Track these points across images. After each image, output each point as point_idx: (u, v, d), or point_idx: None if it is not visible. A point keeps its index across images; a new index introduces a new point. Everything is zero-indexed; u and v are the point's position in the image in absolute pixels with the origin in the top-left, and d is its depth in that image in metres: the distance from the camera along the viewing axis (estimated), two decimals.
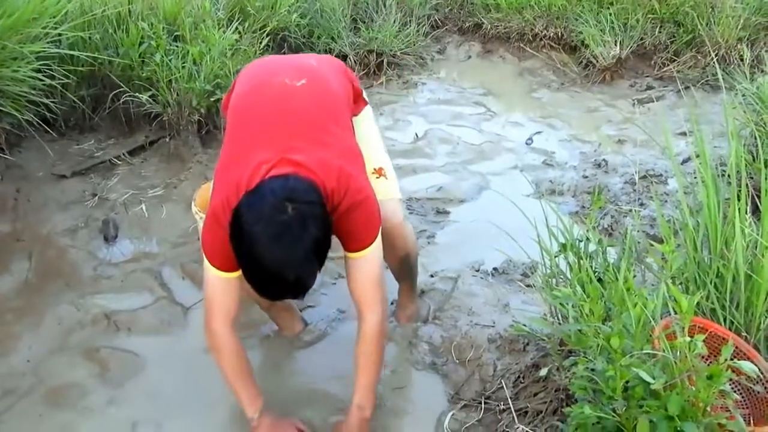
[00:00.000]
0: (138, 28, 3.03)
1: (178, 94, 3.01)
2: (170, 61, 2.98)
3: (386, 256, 1.89)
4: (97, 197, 2.82)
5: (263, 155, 1.56)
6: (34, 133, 2.86)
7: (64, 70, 2.87)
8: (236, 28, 3.35)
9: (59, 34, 2.88)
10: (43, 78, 2.74)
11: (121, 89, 3.05)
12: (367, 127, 2.01)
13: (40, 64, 2.72)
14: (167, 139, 3.14)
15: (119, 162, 3.06)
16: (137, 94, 3.01)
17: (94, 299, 2.31)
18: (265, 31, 3.68)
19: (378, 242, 1.66)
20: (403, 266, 2.13)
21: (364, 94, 2.04)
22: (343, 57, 4.18)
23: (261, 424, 1.75)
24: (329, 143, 1.62)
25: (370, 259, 1.65)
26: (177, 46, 3.07)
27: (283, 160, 1.54)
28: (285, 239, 1.40)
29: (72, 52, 2.94)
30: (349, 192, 1.57)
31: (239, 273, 1.56)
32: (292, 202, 1.41)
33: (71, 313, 2.24)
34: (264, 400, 1.77)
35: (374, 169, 1.95)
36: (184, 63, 2.99)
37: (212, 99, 3.04)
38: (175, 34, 3.19)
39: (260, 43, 3.52)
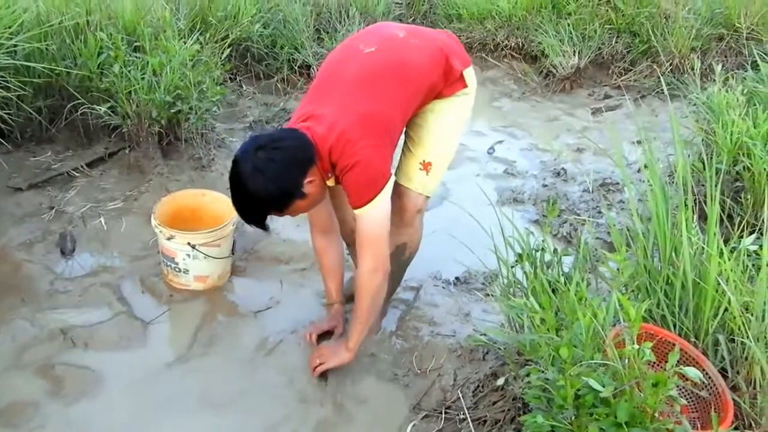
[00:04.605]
0: (96, 38, 2.97)
1: (137, 106, 2.96)
2: (129, 72, 2.93)
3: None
4: (54, 210, 2.76)
5: (303, 110, 1.90)
6: None
7: (19, 81, 2.80)
8: (197, 38, 3.31)
9: (14, 45, 2.83)
10: None
11: (79, 101, 3.00)
12: (442, 116, 2.04)
13: None
14: (127, 151, 3.09)
15: (77, 174, 3.00)
16: (95, 105, 2.96)
17: (50, 314, 2.26)
18: (226, 42, 3.66)
19: (377, 204, 1.83)
20: (394, 254, 2.14)
21: (468, 80, 2.04)
22: (307, 67, 4.19)
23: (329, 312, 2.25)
24: (352, 108, 1.83)
25: (366, 217, 1.85)
26: (136, 57, 3.03)
27: (311, 117, 1.85)
28: (236, 179, 1.78)
29: (28, 63, 2.88)
30: (343, 155, 1.79)
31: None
32: (262, 149, 1.75)
33: (26, 329, 2.19)
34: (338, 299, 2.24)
35: (422, 161, 2.06)
36: (143, 74, 2.95)
37: (172, 110, 3.01)
38: (135, 44, 3.14)
39: (222, 53, 3.50)
